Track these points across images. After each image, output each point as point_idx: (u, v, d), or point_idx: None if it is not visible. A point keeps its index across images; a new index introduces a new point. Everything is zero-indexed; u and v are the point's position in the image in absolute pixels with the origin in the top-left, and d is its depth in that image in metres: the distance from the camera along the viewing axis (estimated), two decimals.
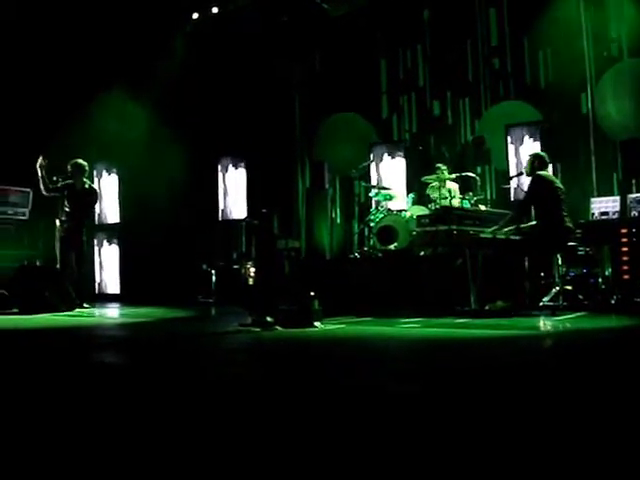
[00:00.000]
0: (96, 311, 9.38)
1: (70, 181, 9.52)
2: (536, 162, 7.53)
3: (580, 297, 7.62)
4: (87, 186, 9.74)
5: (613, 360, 4.11)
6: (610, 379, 3.41)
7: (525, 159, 8.16)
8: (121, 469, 2.04)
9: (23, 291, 8.86)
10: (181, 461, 2.09)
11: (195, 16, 12.13)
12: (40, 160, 9.35)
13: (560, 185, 7.48)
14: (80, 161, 9.67)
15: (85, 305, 9.38)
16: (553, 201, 7.33)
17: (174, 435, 2.43)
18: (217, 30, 12.10)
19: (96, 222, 12.86)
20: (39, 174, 9.34)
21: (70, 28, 11.79)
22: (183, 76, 12.00)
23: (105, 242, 13.22)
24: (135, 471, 2.02)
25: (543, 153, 7.75)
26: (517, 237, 7.38)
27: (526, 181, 8.37)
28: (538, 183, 7.43)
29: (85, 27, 11.81)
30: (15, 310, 8.68)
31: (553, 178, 7.60)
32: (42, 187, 9.43)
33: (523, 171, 7.83)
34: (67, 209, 9.50)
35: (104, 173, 13.31)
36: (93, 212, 11.01)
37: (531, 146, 9.43)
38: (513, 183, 9.06)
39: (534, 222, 7.48)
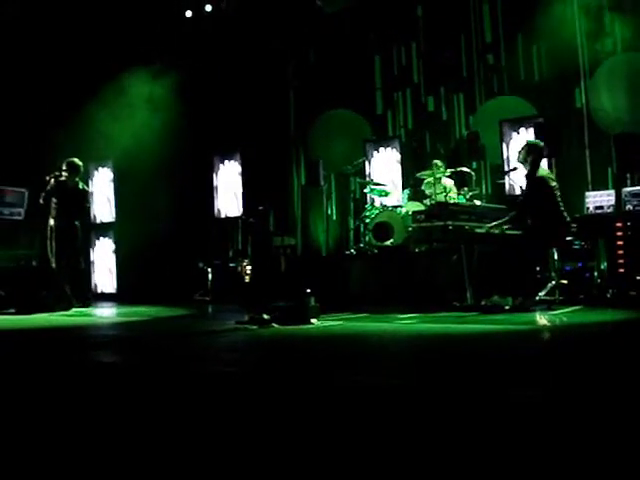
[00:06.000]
0: (92, 310, 9.37)
1: (63, 178, 9.52)
2: (531, 155, 7.37)
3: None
4: (80, 186, 9.76)
5: (610, 354, 4.13)
6: (607, 372, 3.42)
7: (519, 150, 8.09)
8: (117, 466, 2.05)
9: (20, 291, 8.86)
10: (175, 455, 2.10)
11: (189, 14, 12.08)
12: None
13: (556, 183, 7.43)
14: (76, 160, 9.70)
15: (82, 304, 9.35)
16: (552, 200, 7.30)
17: (170, 432, 2.44)
18: (211, 27, 12.07)
19: (91, 221, 12.85)
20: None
21: (60, 25, 11.76)
22: (178, 73, 11.99)
23: (100, 241, 13.20)
24: (131, 469, 2.03)
25: (537, 142, 7.59)
26: (512, 232, 7.38)
27: (521, 175, 8.34)
28: (540, 185, 7.33)
29: (76, 20, 11.76)
30: (12, 310, 8.67)
31: (551, 176, 7.49)
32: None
33: (517, 165, 7.78)
34: (58, 208, 9.50)
35: (99, 171, 13.28)
36: (88, 213, 10.97)
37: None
38: (508, 178, 9.06)
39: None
